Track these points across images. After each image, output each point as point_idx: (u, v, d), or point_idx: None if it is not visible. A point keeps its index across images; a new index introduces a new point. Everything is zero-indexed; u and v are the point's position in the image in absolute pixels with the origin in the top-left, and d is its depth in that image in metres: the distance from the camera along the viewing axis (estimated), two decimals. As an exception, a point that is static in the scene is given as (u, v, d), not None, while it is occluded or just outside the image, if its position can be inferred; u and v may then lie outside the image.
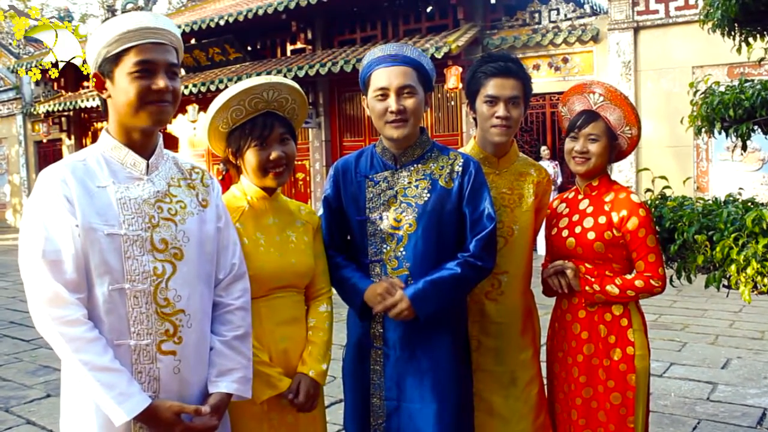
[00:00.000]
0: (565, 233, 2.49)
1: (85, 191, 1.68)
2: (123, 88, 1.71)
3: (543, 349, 2.62)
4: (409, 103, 2.22)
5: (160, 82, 1.72)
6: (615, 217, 2.39)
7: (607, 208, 2.43)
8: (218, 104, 2.12)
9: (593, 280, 2.40)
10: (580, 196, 2.55)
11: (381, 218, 2.27)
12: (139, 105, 1.71)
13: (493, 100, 2.40)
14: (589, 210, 2.48)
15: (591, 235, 2.41)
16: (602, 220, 2.42)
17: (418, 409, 2.23)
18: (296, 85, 2.20)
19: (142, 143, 1.79)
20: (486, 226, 2.23)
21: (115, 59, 1.71)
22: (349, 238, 2.39)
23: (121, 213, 1.70)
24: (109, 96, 1.76)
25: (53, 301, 1.60)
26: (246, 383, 1.89)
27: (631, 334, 2.41)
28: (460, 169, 2.29)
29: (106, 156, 1.77)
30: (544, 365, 2.61)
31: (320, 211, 2.40)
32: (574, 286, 2.42)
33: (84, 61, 1.74)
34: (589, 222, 2.44)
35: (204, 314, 1.83)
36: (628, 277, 2.40)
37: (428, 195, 2.26)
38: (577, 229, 2.46)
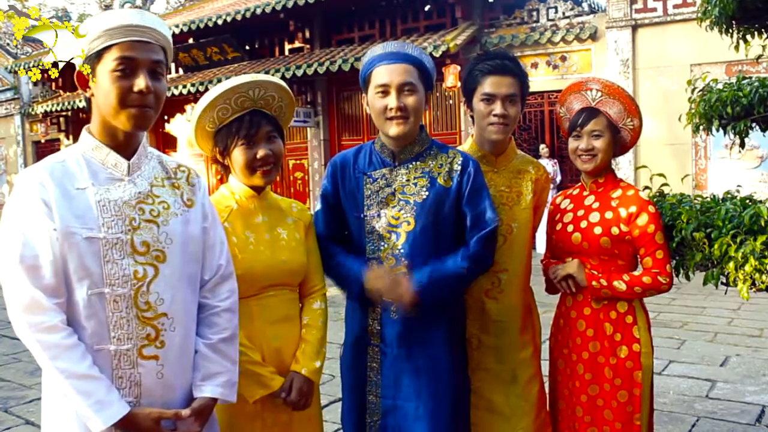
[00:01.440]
0: (570, 228, 2.49)
1: (64, 194, 1.64)
2: (103, 87, 1.66)
3: (543, 347, 2.63)
4: (410, 100, 2.21)
5: (141, 82, 1.65)
6: (623, 213, 2.39)
7: (614, 204, 2.43)
8: (204, 103, 2.11)
9: (600, 275, 2.40)
10: (585, 193, 2.55)
11: (379, 216, 2.27)
12: (119, 106, 1.66)
13: (490, 98, 2.40)
14: (595, 206, 2.47)
15: (597, 230, 2.41)
16: (609, 215, 2.41)
17: (414, 407, 2.23)
18: (283, 84, 2.19)
19: (125, 143, 1.74)
20: (488, 225, 2.24)
21: (97, 56, 1.66)
22: (346, 233, 2.38)
23: (101, 216, 1.65)
24: (92, 94, 1.71)
25: (30, 308, 1.57)
26: (231, 387, 1.85)
27: (637, 332, 2.41)
28: (459, 167, 2.28)
29: (87, 156, 1.72)
30: (545, 363, 2.61)
31: (318, 206, 2.39)
32: (580, 280, 2.42)
33: (83, 62, 1.70)
34: (595, 217, 2.44)
35: (188, 317, 1.79)
36: (636, 273, 2.39)
37: (427, 193, 2.25)
38: (583, 224, 2.45)
